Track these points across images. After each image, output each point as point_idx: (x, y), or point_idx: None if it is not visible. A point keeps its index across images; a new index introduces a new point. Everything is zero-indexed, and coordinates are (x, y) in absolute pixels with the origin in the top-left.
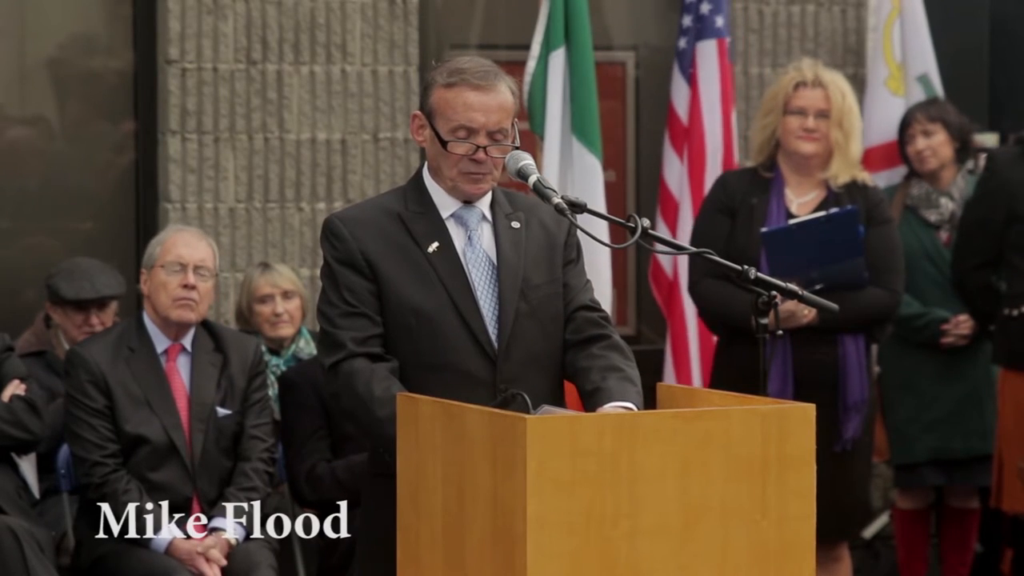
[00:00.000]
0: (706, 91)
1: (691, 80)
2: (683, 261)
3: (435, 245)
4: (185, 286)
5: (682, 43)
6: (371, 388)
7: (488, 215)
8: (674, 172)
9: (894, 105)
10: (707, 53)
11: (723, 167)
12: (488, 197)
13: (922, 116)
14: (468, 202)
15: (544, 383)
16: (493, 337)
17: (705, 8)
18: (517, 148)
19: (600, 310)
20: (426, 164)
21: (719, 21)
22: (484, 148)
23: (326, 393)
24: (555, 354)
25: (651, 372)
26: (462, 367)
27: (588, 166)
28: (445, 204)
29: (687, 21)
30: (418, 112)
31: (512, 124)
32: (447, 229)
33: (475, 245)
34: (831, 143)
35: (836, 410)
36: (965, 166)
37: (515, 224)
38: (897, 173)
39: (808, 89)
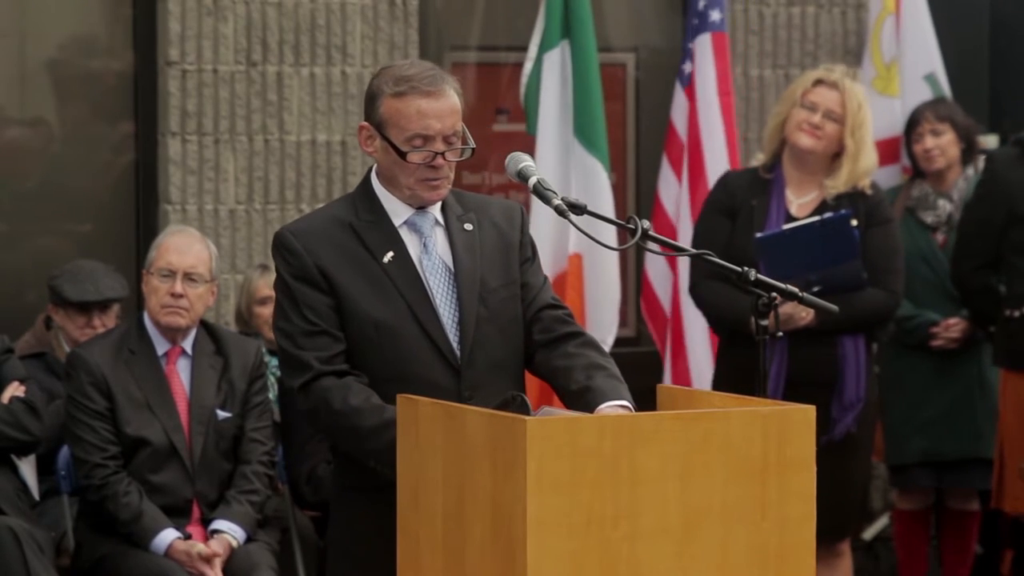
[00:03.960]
0: (702, 89)
1: (689, 80)
2: (684, 270)
3: (390, 255)
4: (173, 294)
5: (688, 45)
6: (349, 402)
7: (440, 219)
8: (670, 190)
9: (884, 104)
10: (703, 48)
11: (730, 166)
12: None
13: (931, 115)
14: (421, 208)
15: (508, 388)
16: (455, 345)
17: (701, 4)
18: (472, 149)
19: (563, 307)
20: (374, 171)
21: (715, 15)
22: (442, 154)
23: (301, 410)
24: (517, 358)
25: (652, 373)
26: (426, 377)
27: (589, 168)
28: (397, 212)
29: (694, 22)
30: (365, 123)
31: (462, 125)
32: (401, 238)
33: (431, 252)
34: (832, 146)
35: (829, 409)
36: (968, 168)
37: (468, 226)
38: (885, 172)
39: (826, 88)
